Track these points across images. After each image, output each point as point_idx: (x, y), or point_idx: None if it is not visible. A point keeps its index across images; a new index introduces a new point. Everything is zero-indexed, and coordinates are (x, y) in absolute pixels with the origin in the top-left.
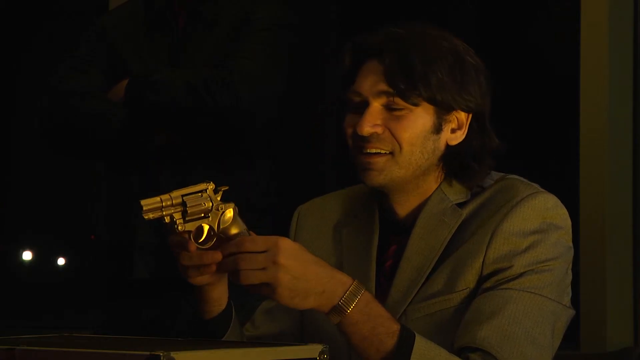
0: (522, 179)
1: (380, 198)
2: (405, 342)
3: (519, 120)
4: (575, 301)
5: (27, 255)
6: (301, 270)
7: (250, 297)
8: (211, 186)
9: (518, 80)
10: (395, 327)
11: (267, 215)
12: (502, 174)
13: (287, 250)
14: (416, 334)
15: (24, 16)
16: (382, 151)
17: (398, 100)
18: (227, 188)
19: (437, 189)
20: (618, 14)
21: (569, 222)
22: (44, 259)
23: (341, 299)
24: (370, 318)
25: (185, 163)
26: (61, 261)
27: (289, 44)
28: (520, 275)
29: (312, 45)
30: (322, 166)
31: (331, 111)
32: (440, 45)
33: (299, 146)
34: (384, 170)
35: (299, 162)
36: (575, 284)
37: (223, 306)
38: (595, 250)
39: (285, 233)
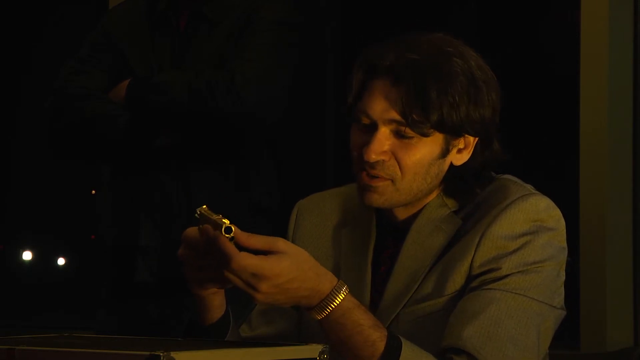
0: (515, 179)
1: None
2: (391, 351)
3: (519, 120)
4: (575, 301)
5: (27, 255)
6: (279, 291)
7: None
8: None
9: (518, 80)
10: (376, 336)
11: (270, 216)
12: (497, 174)
13: (271, 279)
14: (403, 342)
15: (24, 17)
16: (384, 177)
17: (409, 130)
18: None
19: (436, 194)
20: (618, 14)
21: (562, 223)
22: (44, 259)
23: (315, 306)
24: (346, 327)
25: (187, 164)
26: (61, 261)
27: (292, 44)
28: (506, 276)
29: (312, 45)
30: (323, 165)
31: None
32: (454, 67)
33: (301, 145)
34: (385, 195)
35: (301, 162)
36: (575, 284)
37: (222, 312)
38: (595, 250)
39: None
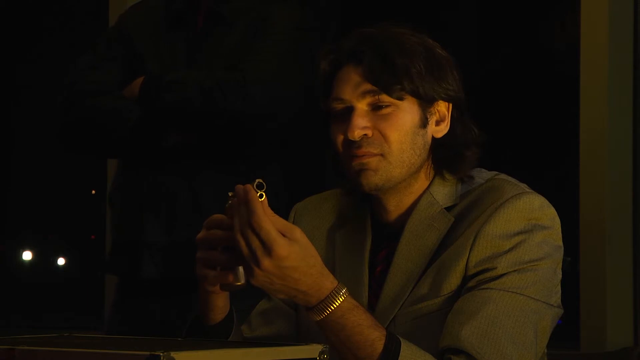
0: (510, 179)
1: (372, 200)
2: (389, 350)
3: (519, 120)
4: (575, 301)
5: (27, 255)
6: (279, 276)
7: (260, 299)
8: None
9: (518, 80)
10: (375, 336)
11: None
12: (493, 172)
13: (277, 259)
14: (402, 341)
15: (24, 15)
16: (373, 153)
17: (383, 97)
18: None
19: (426, 191)
20: (618, 14)
21: (557, 221)
22: (44, 259)
23: (314, 307)
24: (345, 328)
25: (196, 163)
26: (61, 261)
27: (306, 46)
28: (502, 275)
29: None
30: (325, 166)
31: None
32: (412, 40)
33: (308, 146)
34: (379, 170)
35: (308, 163)
36: (575, 284)
37: (226, 313)
38: (595, 250)
39: None
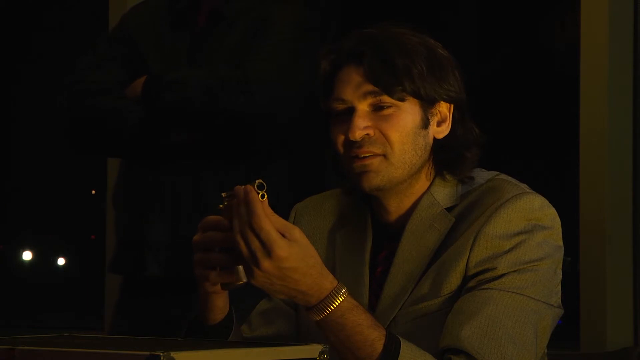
0: (510, 179)
1: (372, 201)
2: (389, 350)
3: (519, 120)
4: (575, 301)
5: (27, 255)
6: (279, 277)
7: (261, 299)
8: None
9: (518, 80)
10: (375, 335)
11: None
12: (494, 172)
13: (277, 260)
14: (402, 341)
15: (24, 14)
16: (375, 153)
17: (385, 98)
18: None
19: (426, 192)
20: (618, 14)
21: (557, 221)
22: (44, 259)
23: (314, 307)
24: (345, 328)
25: (198, 162)
26: (61, 261)
27: (307, 46)
28: (502, 275)
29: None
30: (329, 166)
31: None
32: (413, 41)
33: (308, 146)
34: (381, 172)
35: (308, 163)
36: (575, 284)
37: (225, 313)
38: (595, 250)
39: None
